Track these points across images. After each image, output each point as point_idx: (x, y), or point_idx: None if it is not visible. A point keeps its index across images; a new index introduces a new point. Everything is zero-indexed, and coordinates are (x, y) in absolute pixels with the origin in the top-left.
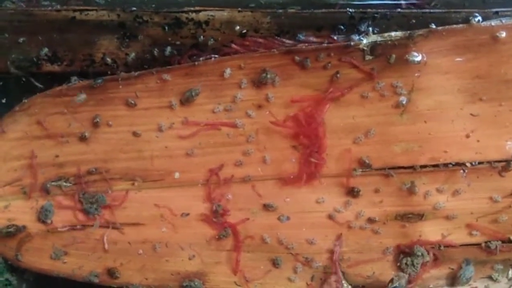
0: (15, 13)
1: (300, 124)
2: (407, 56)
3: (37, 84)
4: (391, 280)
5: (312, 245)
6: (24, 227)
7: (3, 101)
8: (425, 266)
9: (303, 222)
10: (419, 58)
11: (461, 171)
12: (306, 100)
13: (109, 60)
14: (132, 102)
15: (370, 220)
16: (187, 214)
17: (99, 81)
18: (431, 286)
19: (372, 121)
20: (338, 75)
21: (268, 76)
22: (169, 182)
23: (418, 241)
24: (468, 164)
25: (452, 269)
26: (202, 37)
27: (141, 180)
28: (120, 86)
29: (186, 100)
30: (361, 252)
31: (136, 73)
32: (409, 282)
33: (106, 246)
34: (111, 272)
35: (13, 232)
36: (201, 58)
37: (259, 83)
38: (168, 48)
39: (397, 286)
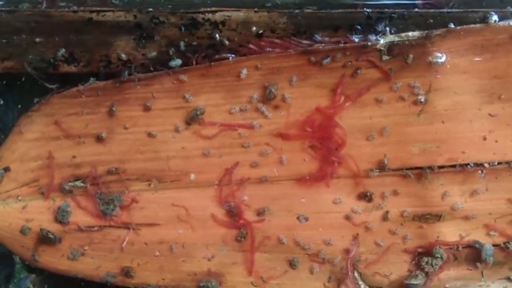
0: (32, 14)
1: (316, 126)
2: (430, 58)
3: (47, 85)
4: (412, 276)
5: (329, 246)
6: (60, 240)
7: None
8: (443, 267)
9: (320, 223)
10: (443, 59)
11: (479, 171)
12: (324, 110)
13: (128, 58)
14: (148, 105)
15: (387, 221)
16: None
17: (125, 74)
18: (447, 285)
19: (389, 121)
20: (358, 71)
21: (273, 90)
22: (185, 183)
23: (437, 242)
24: (486, 165)
25: (470, 269)
26: (218, 37)
27: (157, 180)
28: (137, 87)
29: (191, 119)
30: (378, 253)
31: (152, 74)
32: (425, 281)
33: (124, 244)
34: (125, 271)
35: (52, 239)
36: (217, 58)
37: (267, 100)
38: (184, 49)
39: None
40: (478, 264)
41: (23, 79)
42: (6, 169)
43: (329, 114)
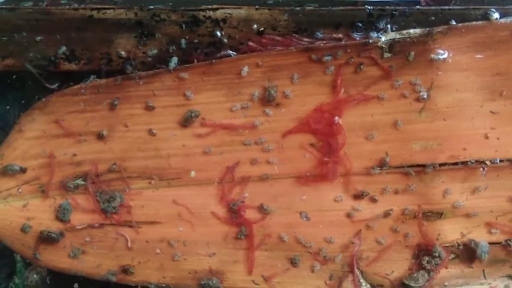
0: (33, 12)
1: (317, 124)
2: (431, 55)
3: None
4: (414, 278)
5: (330, 244)
6: (62, 234)
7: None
8: (443, 265)
9: (320, 221)
10: (444, 56)
11: (481, 169)
12: (326, 107)
13: (129, 56)
14: (149, 103)
15: (389, 219)
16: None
17: (130, 68)
18: (446, 283)
19: (391, 119)
20: (362, 67)
21: (272, 92)
22: (186, 181)
23: (438, 240)
24: (488, 162)
25: (472, 267)
26: (219, 35)
27: (158, 178)
28: (138, 85)
29: (185, 121)
30: (380, 251)
31: (153, 72)
32: (427, 280)
33: (129, 244)
34: (125, 269)
35: (55, 238)
36: (218, 56)
37: (267, 102)
38: (185, 46)
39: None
40: (474, 261)
41: (24, 77)
42: (24, 170)
43: (331, 111)
